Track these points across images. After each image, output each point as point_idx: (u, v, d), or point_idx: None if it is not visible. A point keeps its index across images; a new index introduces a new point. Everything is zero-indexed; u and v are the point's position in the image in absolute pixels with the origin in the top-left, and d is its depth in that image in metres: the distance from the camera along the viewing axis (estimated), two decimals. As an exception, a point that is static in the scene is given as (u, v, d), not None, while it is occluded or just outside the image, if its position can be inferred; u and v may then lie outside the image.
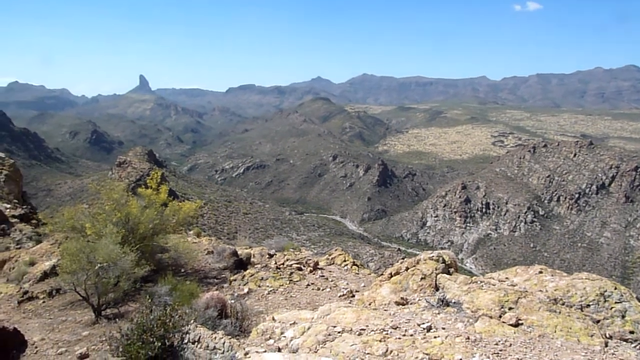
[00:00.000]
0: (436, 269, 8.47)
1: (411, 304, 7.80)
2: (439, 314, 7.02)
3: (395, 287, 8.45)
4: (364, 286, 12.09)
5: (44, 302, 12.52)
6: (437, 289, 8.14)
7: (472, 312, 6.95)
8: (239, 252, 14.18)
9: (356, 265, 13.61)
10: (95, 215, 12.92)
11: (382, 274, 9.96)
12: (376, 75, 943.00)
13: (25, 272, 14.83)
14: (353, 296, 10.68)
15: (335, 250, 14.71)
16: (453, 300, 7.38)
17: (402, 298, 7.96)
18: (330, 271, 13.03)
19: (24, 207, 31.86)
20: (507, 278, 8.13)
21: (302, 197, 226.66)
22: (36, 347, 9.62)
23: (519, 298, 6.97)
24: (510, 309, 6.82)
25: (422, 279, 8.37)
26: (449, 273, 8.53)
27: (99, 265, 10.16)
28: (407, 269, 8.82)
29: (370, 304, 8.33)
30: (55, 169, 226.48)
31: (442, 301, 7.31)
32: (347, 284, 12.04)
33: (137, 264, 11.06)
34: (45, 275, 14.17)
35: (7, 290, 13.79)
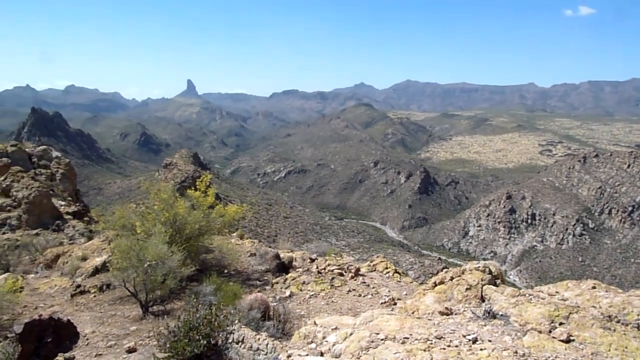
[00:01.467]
0: (482, 280, 8.28)
1: (456, 314, 7.65)
2: (485, 325, 6.86)
3: (440, 297, 8.32)
4: (406, 294, 11.96)
5: (94, 296, 13.04)
6: (483, 300, 7.95)
7: (520, 325, 6.75)
8: (281, 256, 14.32)
9: (398, 272, 13.49)
10: (145, 215, 13.38)
11: (425, 283, 9.83)
12: (420, 81, 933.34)
13: (78, 267, 15.48)
14: (395, 304, 10.57)
15: (377, 257, 14.62)
16: (500, 313, 7.19)
17: (446, 308, 7.82)
18: (371, 278, 12.96)
19: (77, 204, 33.31)
20: (557, 292, 7.85)
21: (342, 203, 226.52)
22: (87, 339, 10.02)
23: (570, 313, 6.71)
24: (561, 324, 6.58)
25: (467, 289, 8.20)
26: (495, 284, 8.33)
27: (148, 263, 10.51)
28: (451, 278, 8.67)
29: (413, 313, 8.23)
30: (105, 168, 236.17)
31: (489, 313, 7.13)
32: (389, 291, 11.94)
33: (183, 264, 11.36)
34: (96, 271, 14.76)
35: (61, 283, 14.45)
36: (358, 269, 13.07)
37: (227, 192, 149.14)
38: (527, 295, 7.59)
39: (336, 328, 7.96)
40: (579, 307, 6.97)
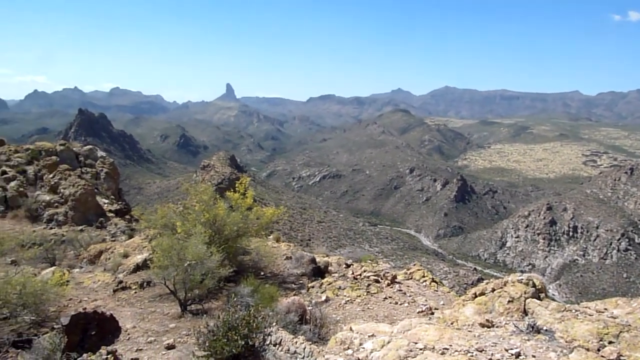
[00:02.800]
0: (525, 293, 8.05)
1: (497, 327, 7.46)
2: (528, 340, 6.66)
3: (480, 308, 8.13)
4: (443, 304, 11.75)
5: (135, 292, 13.39)
6: (525, 313, 7.73)
7: (566, 342, 6.52)
8: (317, 260, 14.34)
9: (435, 282, 13.27)
10: (185, 215, 13.67)
11: (464, 294, 9.63)
12: (458, 87, 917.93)
13: (120, 264, 15.96)
14: (432, 313, 10.41)
15: (414, 265, 14.44)
16: (544, 328, 6.96)
17: (487, 320, 7.64)
18: (408, 286, 12.80)
19: (120, 203, 34.37)
20: (605, 309, 7.54)
21: (376, 209, 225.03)
22: (129, 334, 10.30)
23: (620, 332, 6.44)
24: (610, 342, 6.32)
25: (509, 302, 7.98)
26: (539, 298, 8.07)
27: (188, 262, 10.73)
28: (493, 290, 8.46)
29: (452, 323, 8.07)
30: (146, 169, 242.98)
31: (533, 327, 6.92)
32: (426, 300, 11.76)
33: (221, 264, 11.54)
34: (137, 268, 15.17)
35: (104, 279, 14.92)
36: (394, 277, 12.94)
37: (262, 194, 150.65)
38: (574, 310, 7.33)
39: (373, 335, 7.90)
40: (630, 325, 6.68)
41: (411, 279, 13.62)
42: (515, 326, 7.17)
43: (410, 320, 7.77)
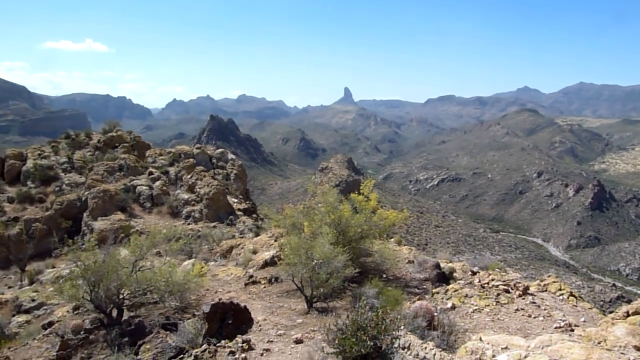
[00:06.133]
0: (692, 315, 7.05)
1: (656, 351, 6.63)
2: (698, 369, 5.83)
3: (635, 329, 7.28)
4: (584, 321, 10.74)
5: (264, 287, 14.19)
6: (693, 339, 6.77)
7: None
8: (442, 265, 13.97)
9: (574, 296, 12.16)
10: (311, 215, 14.18)
11: (604, 311, 8.72)
12: (595, 83, 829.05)
13: (250, 259, 17.04)
14: (572, 330, 9.56)
15: (549, 276, 13.39)
16: None
17: (643, 343, 6.82)
18: (542, 299, 11.89)
19: (247, 202, 36.73)
20: None
21: (499, 215, 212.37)
22: (260, 326, 10.95)
23: None
24: None
25: (671, 324, 7.05)
26: None
27: (315, 261, 11.12)
28: (649, 309, 7.55)
29: (599, 343, 7.34)
30: (268, 170, 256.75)
31: (703, 355, 6.04)
32: (564, 315, 10.83)
33: (346, 265, 11.77)
34: (265, 264, 16.08)
35: (236, 272, 16.06)
36: (527, 287, 12.11)
37: (379, 197, 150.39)
38: None
39: (506, 348, 7.49)
40: None
41: (545, 291, 12.63)
42: (680, 352, 6.32)
43: (550, 336, 7.23)
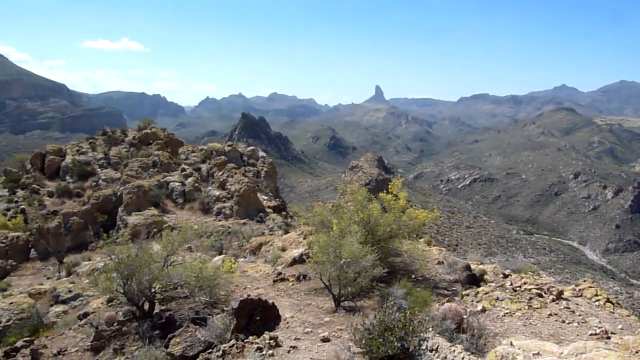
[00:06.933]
0: None
1: (699, 362, 6.34)
2: None
3: (676, 338, 6.99)
4: (622, 329, 10.36)
5: (292, 284, 14.26)
6: None
7: None
8: (472, 267, 13.73)
9: (611, 302, 11.74)
10: (340, 214, 14.15)
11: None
12: (637, 82, 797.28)
13: (279, 256, 17.15)
14: (608, 338, 9.24)
15: (584, 281, 12.97)
16: None
17: (685, 353, 6.53)
18: (577, 304, 11.53)
19: (277, 200, 36.94)
20: None
21: (532, 216, 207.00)
22: (287, 323, 11.00)
23: None
24: None
25: None
26: None
27: (343, 260, 11.09)
28: (692, 318, 7.21)
29: (637, 352, 7.08)
30: (298, 168, 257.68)
31: None
32: (600, 322, 10.47)
33: (374, 264, 11.70)
34: (294, 261, 16.16)
35: (264, 269, 16.18)
36: (561, 292, 11.76)
37: (409, 197, 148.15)
38: None
39: (538, 354, 7.31)
40: None
41: (580, 296, 12.25)
42: None
43: (585, 343, 7.01)
